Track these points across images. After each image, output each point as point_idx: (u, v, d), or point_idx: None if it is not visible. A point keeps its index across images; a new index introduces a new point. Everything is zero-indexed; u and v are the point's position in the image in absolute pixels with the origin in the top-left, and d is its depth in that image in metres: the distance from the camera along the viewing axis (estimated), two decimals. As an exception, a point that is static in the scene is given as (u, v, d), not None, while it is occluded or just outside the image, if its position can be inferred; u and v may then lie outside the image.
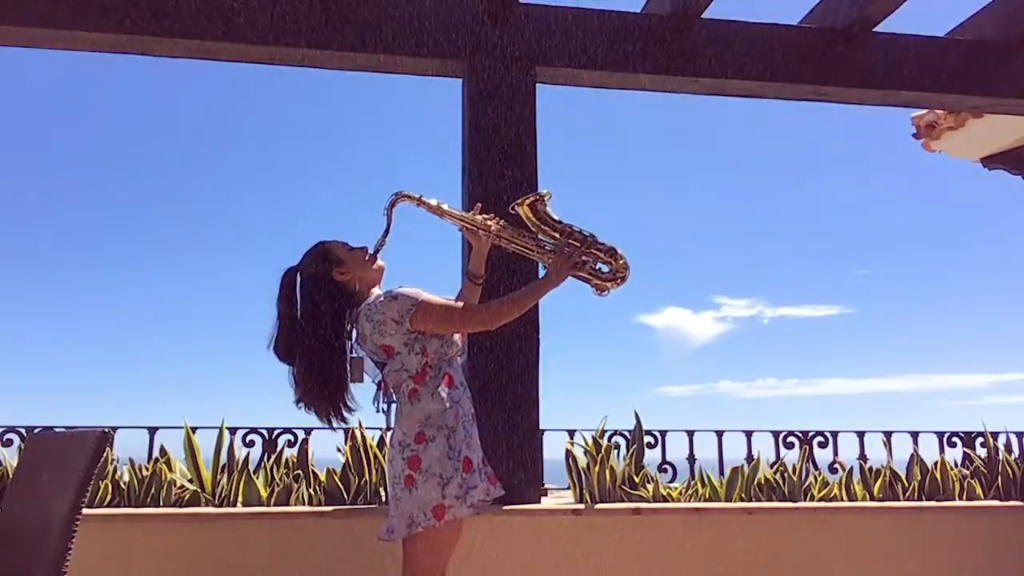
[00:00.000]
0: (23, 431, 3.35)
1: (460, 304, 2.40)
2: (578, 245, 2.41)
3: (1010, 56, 3.86)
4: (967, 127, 5.14)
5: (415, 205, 2.40)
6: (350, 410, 2.44)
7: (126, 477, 3.11)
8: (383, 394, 2.42)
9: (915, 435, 4.00)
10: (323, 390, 2.39)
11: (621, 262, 2.46)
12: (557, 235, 2.43)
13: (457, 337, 2.42)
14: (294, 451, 3.36)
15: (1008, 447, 3.95)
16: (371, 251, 2.44)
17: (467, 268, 2.59)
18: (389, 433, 2.46)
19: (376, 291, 2.45)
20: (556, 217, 2.44)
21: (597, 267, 2.47)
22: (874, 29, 3.73)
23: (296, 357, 2.39)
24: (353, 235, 2.49)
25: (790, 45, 3.72)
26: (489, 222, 2.45)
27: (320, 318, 2.37)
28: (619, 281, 2.46)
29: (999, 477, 3.72)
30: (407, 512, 2.23)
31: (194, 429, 3.23)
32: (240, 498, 3.10)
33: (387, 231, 2.40)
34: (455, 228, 2.52)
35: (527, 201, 2.43)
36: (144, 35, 3.24)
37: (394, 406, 2.41)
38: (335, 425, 2.45)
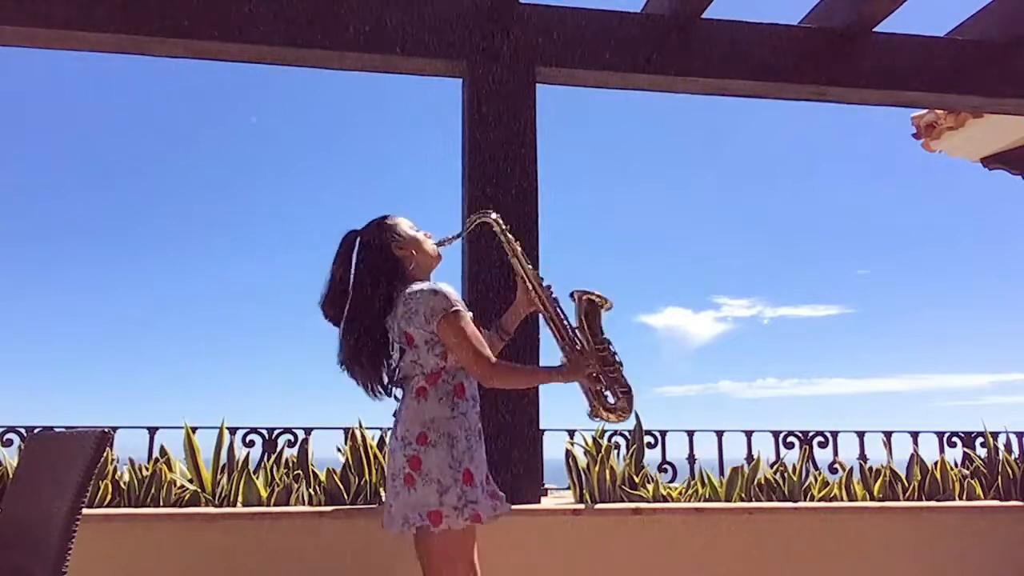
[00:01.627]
0: (23, 431, 3.35)
1: (482, 344, 2.30)
2: (603, 365, 2.41)
3: (1010, 56, 3.86)
4: (967, 127, 5.14)
5: (497, 232, 2.48)
6: (385, 388, 2.42)
7: (126, 477, 3.11)
8: (390, 380, 2.41)
9: (915, 435, 4.00)
10: (362, 359, 2.39)
11: (627, 404, 2.44)
12: (592, 342, 2.42)
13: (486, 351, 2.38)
14: (294, 451, 3.36)
15: (1008, 447, 3.95)
16: (435, 240, 2.47)
17: (500, 321, 2.60)
18: (392, 424, 2.45)
19: (434, 284, 2.38)
20: (602, 327, 2.44)
21: (605, 393, 2.45)
22: (874, 29, 3.73)
23: (342, 320, 2.40)
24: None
25: (790, 45, 3.72)
26: (546, 288, 2.46)
27: (370, 286, 2.37)
28: (616, 417, 2.45)
29: (999, 477, 3.72)
30: (403, 511, 2.25)
31: (194, 429, 3.23)
32: (240, 498, 3.10)
33: (460, 234, 2.51)
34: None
35: (590, 295, 2.44)
36: (144, 35, 3.25)
37: (400, 396, 2.39)
38: (372, 398, 2.44)
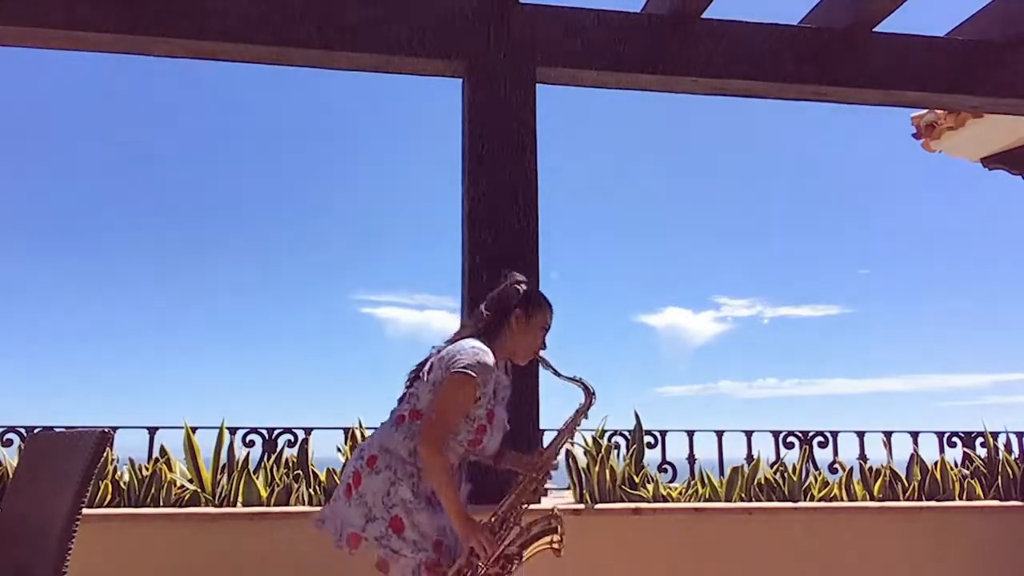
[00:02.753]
0: (23, 431, 3.34)
1: (450, 423, 2.21)
2: (491, 565, 2.20)
3: (1010, 56, 3.86)
4: (967, 127, 5.13)
5: (583, 408, 2.42)
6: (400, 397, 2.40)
7: (126, 477, 3.12)
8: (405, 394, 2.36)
9: (915, 435, 3.99)
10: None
11: None
12: (508, 543, 2.27)
13: (487, 441, 2.31)
14: (294, 451, 3.36)
15: (1008, 447, 3.95)
16: (541, 352, 2.42)
17: (505, 451, 2.49)
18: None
19: (486, 353, 2.27)
20: (522, 552, 2.30)
21: (479, 570, 2.21)
22: (874, 29, 3.73)
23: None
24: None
25: (790, 45, 3.72)
26: (543, 473, 2.42)
27: (480, 318, 2.38)
28: None
29: (999, 477, 3.73)
30: (336, 522, 2.24)
31: (194, 429, 3.23)
32: (240, 498, 3.10)
33: (559, 375, 2.43)
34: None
35: (559, 532, 2.34)
36: (144, 35, 3.25)
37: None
38: None
